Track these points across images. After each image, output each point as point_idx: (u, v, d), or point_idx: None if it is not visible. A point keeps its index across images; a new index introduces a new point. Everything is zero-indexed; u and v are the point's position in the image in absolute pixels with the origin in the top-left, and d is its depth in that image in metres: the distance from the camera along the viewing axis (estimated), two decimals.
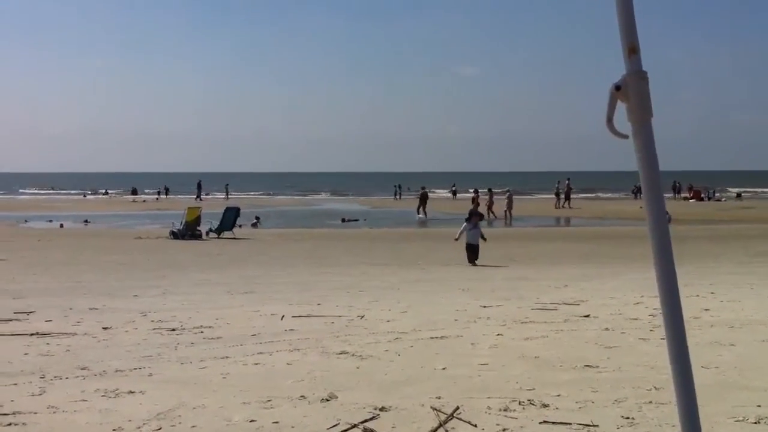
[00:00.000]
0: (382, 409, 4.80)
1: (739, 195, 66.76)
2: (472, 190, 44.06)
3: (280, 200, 68.26)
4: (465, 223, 17.27)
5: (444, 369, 5.94)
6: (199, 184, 65.86)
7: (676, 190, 61.03)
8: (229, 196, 66.55)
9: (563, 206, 47.04)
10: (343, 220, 38.65)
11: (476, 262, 16.51)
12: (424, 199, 41.08)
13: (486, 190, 43.04)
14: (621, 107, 2.01)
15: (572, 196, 49.68)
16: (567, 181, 48.84)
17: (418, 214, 40.08)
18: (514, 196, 41.25)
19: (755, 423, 4.43)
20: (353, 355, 6.47)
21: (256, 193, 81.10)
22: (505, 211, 38.69)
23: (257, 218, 35.29)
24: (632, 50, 2.00)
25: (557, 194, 48.94)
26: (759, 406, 4.77)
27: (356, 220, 38.90)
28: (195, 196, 62.76)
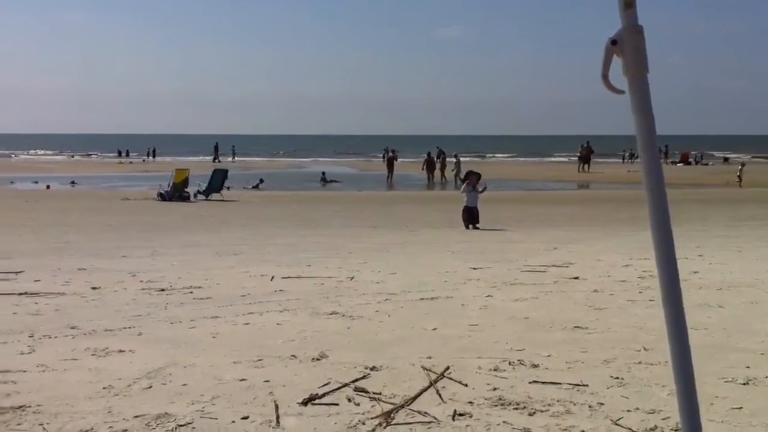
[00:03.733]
0: (372, 368, 4.81)
1: (726, 159, 67.00)
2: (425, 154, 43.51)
3: (269, 163, 68.02)
4: (464, 185, 16.79)
5: (434, 329, 5.96)
6: (216, 146, 65.55)
7: (665, 154, 61.11)
8: (236, 159, 66.47)
9: (583, 170, 46.53)
10: (325, 182, 38.70)
11: (477, 225, 15.92)
12: (390, 163, 40.89)
13: (438, 152, 42.83)
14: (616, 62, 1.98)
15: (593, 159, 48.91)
16: (586, 144, 48.27)
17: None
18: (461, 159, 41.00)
19: (744, 384, 4.46)
20: (343, 315, 6.48)
21: (259, 157, 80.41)
22: (455, 175, 38.47)
23: (261, 180, 35.30)
24: (628, 4, 1.96)
25: (580, 158, 48.40)
26: (748, 367, 4.80)
27: (338, 182, 38.93)
28: (213, 158, 62.68)
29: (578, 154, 49.05)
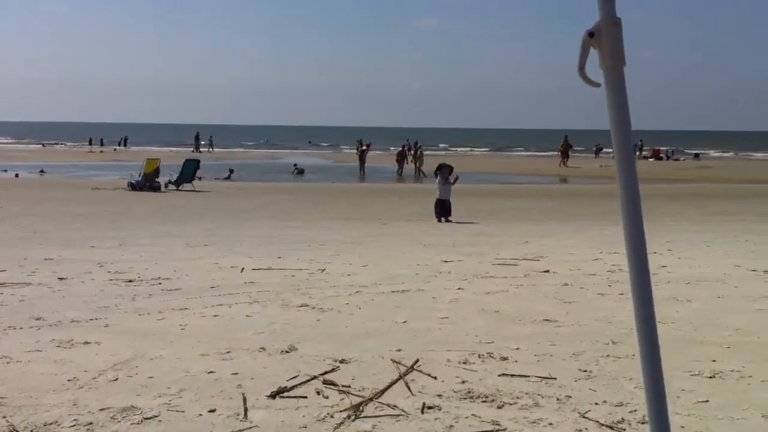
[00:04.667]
0: (342, 361, 4.79)
1: (696, 155, 67.72)
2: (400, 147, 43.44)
3: (247, 153, 67.68)
4: (437, 178, 16.67)
5: (404, 322, 5.95)
6: (197, 136, 65.08)
7: (639, 149, 61.53)
8: (213, 149, 66.07)
9: (562, 165, 46.46)
10: (298, 173, 38.68)
11: (450, 218, 15.84)
12: (362, 156, 40.84)
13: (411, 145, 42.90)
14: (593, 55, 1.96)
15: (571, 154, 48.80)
16: (564, 139, 48.25)
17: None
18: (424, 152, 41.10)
19: (710, 377, 4.50)
20: (313, 308, 6.45)
21: (235, 148, 79.98)
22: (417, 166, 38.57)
23: (231, 170, 35.04)
24: None
25: (561, 152, 48.35)
26: (714, 360, 4.84)
27: (306, 173, 38.88)
28: (193, 148, 62.30)
29: (560, 149, 49.05)
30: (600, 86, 1.94)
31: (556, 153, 50.70)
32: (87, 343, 5.20)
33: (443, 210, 16.09)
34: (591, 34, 1.91)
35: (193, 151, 59.83)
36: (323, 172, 42.17)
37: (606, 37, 1.91)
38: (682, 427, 3.67)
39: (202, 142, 64.75)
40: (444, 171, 16.67)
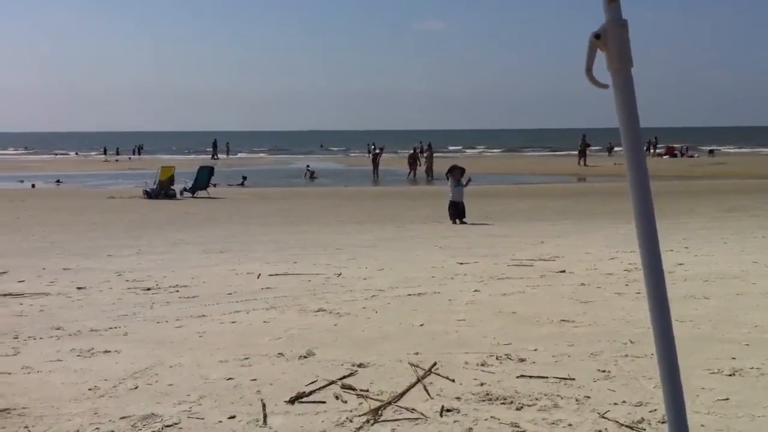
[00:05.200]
0: (360, 365, 4.80)
1: (711, 151, 67.33)
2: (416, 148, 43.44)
3: (260, 159, 67.92)
4: (449, 181, 16.61)
5: (421, 325, 5.95)
6: (215, 143, 66.13)
7: (654, 146, 61.16)
8: (229, 156, 67.07)
9: (583, 164, 46.20)
10: (311, 177, 39.05)
11: (464, 220, 15.86)
12: (375, 160, 40.83)
13: (426, 147, 42.93)
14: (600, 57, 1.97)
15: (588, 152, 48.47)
16: (582, 138, 47.97)
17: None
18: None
19: (730, 375, 4.48)
20: (330, 312, 6.46)
21: (255, 153, 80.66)
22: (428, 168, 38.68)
23: (244, 177, 35.20)
24: None
25: (579, 151, 48.11)
26: (734, 358, 4.82)
27: (313, 174, 39.29)
28: (211, 156, 63.42)
29: (579, 148, 48.71)
30: (608, 87, 1.95)
31: (575, 152, 50.42)
32: (107, 351, 5.23)
33: (457, 212, 16.10)
34: (597, 36, 1.92)
35: (212, 158, 60.70)
36: (336, 176, 42.27)
37: (612, 39, 1.91)
38: (702, 425, 3.66)
39: (219, 150, 65.66)
40: (455, 173, 16.65)
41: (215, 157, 63.11)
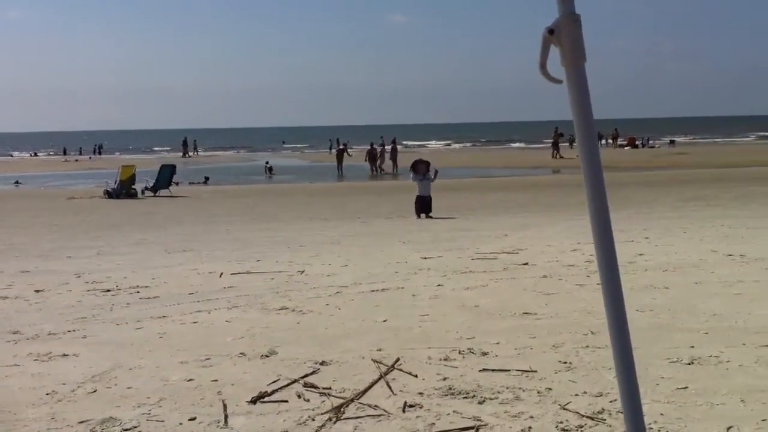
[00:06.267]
0: (322, 363, 4.78)
1: (672, 142, 68.25)
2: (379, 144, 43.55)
3: (222, 157, 67.48)
4: (412, 174, 16.59)
5: (385, 321, 5.94)
6: (185, 141, 65.84)
7: (615, 137, 61.72)
8: (198, 153, 66.97)
9: (556, 156, 46.18)
10: (270, 173, 39.24)
11: (430, 215, 15.82)
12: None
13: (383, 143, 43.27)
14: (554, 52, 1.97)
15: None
16: (555, 130, 47.83)
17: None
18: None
19: (689, 364, 4.53)
20: (293, 310, 6.43)
21: (218, 150, 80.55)
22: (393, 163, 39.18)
23: (206, 177, 34.97)
24: None
25: (552, 144, 48.07)
26: (692, 347, 4.88)
27: (271, 170, 39.41)
28: (182, 154, 63.28)
29: (552, 140, 48.72)
30: (562, 83, 1.94)
31: (547, 145, 50.55)
32: (65, 355, 5.15)
33: (423, 206, 16.07)
34: (551, 31, 1.91)
35: (183, 156, 60.56)
36: (300, 173, 42.15)
37: (566, 34, 1.91)
38: (662, 414, 3.69)
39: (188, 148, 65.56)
40: (419, 167, 16.62)
41: (187, 155, 62.89)
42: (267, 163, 42.37)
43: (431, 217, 15.77)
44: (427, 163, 16.89)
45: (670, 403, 3.86)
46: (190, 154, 64.70)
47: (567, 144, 56.79)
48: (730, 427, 3.51)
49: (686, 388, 4.09)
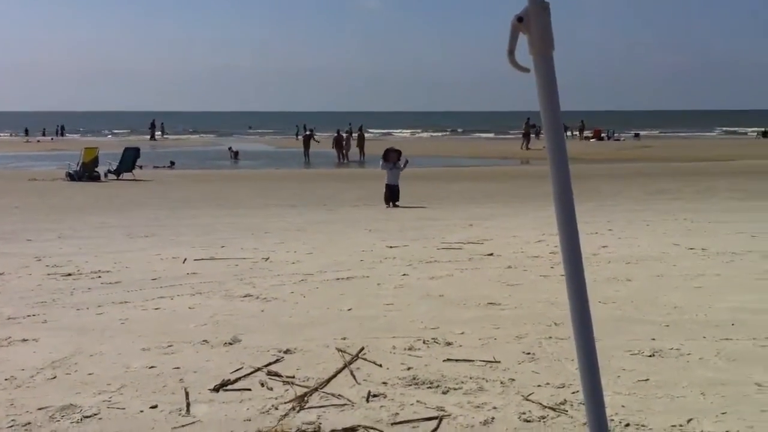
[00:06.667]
0: (286, 351, 4.75)
1: (637, 135, 68.96)
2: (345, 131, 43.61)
3: (186, 140, 66.85)
4: (381, 162, 16.60)
5: (349, 310, 5.93)
6: (153, 123, 65.11)
7: (581, 129, 62.06)
8: (165, 136, 66.41)
9: (525, 147, 46.07)
10: (236, 158, 39.15)
11: (397, 203, 15.86)
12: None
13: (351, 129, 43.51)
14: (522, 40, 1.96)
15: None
16: (527, 121, 47.58)
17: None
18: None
19: (650, 356, 4.58)
20: (257, 297, 6.38)
21: (183, 134, 79.95)
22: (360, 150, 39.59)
23: (172, 162, 34.60)
24: None
25: (523, 134, 47.88)
26: (654, 339, 4.93)
27: (236, 155, 39.33)
28: (150, 136, 62.67)
29: (523, 131, 48.56)
30: (529, 71, 1.94)
31: (513, 136, 50.45)
32: (25, 340, 5.07)
33: (392, 195, 16.09)
34: (520, 19, 1.91)
35: (150, 138, 60.08)
36: (266, 158, 41.94)
37: (535, 23, 1.90)
38: (623, 406, 3.73)
39: (158, 132, 65.04)
40: (391, 156, 16.64)
41: (153, 138, 62.35)
42: (231, 148, 42.25)
43: (398, 206, 15.78)
44: (399, 152, 16.91)
45: (631, 395, 3.90)
46: (157, 136, 64.11)
47: (533, 136, 57.15)
48: (690, 420, 3.56)
49: (647, 380, 4.13)
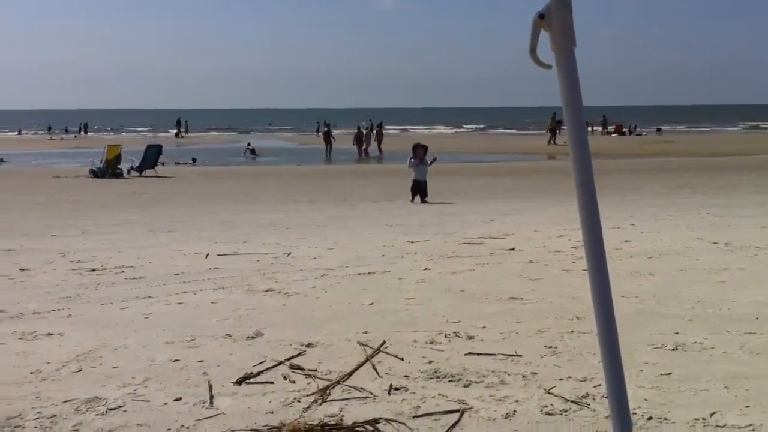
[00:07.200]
0: (308, 345, 4.78)
1: (659, 129, 68.45)
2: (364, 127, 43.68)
3: (209, 137, 67.24)
4: (411, 159, 16.43)
5: (371, 304, 5.94)
6: (179, 121, 66.21)
7: (603, 124, 61.65)
8: (188, 134, 67.22)
9: (553, 143, 45.58)
10: (253, 155, 39.24)
11: (426, 199, 15.75)
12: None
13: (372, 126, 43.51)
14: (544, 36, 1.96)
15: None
16: (553, 116, 47.01)
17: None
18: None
19: (673, 350, 4.55)
20: (279, 292, 6.41)
21: (205, 131, 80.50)
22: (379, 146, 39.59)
23: (194, 159, 34.81)
24: None
25: (549, 130, 47.47)
26: (677, 333, 4.91)
27: (254, 152, 39.42)
28: (176, 134, 63.76)
29: (548, 127, 48.03)
30: (551, 68, 1.94)
31: (536, 132, 50.05)
32: (50, 334, 5.12)
33: (418, 190, 16.03)
34: (542, 16, 1.91)
35: (176, 136, 61.05)
36: (287, 155, 42.04)
37: (556, 19, 1.90)
38: (646, 399, 3.72)
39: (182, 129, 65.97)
40: (418, 151, 16.53)
41: (180, 135, 63.10)
42: (249, 144, 42.33)
43: (426, 202, 15.75)
44: (425, 148, 16.80)
45: (654, 388, 3.89)
46: (183, 134, 64.79)
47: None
48: (713, 413, 3.54)
49: (670, 374, 4.12)
